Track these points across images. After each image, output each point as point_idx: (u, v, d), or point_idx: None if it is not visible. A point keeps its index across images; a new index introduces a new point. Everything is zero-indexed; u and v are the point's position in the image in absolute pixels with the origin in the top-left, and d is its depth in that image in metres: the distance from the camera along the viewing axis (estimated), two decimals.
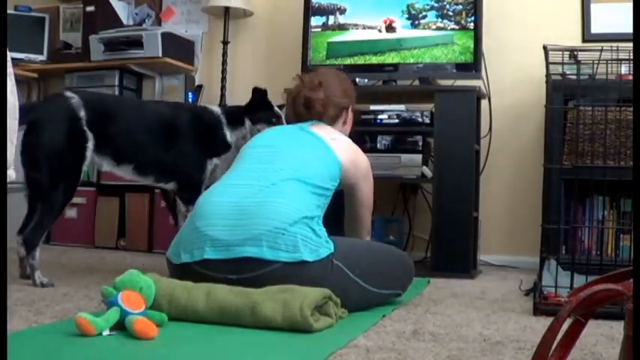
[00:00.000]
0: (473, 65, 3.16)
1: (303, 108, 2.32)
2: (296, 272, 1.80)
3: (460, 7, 3.21)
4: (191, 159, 2.63)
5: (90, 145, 2.43)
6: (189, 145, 2.63)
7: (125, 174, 2.61)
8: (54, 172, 2.33)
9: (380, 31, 3.36)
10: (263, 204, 1.92)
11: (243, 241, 1.84)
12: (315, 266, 1.83)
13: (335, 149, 2.15)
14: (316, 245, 1.85)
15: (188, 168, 2.63)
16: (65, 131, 2.37)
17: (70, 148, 2.37)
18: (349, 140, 2.28)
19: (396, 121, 3.16)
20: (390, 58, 3.32)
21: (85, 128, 2.41)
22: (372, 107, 3.25)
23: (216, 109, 2.79)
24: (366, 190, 2.30)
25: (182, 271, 1.91)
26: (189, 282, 1.80)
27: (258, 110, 2.76)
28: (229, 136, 2.72)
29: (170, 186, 2.68)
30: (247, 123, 2.75)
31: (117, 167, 2.56)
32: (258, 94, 2.78)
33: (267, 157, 2.11)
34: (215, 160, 2.69)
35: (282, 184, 1.98)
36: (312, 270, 1.82)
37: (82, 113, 2.40)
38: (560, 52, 2.58)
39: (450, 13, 3.23)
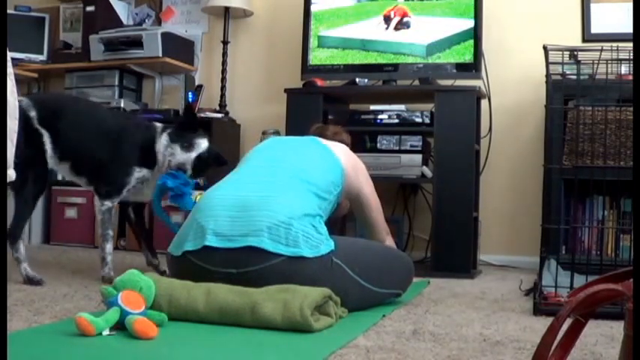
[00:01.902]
0: (473, 65, 3.16)
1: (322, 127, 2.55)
2: (296, 268, 1.81)
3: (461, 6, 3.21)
4: (118, 162, 2.57)
5: (46, 139, 2.47)
6: (119, 150, 2.58)
7: (64, 172, 2.65)
8: (18, 166, 2.34)
9: (380, 29, 3.35)
10: (266, 198, 1.94)
11: (245, 233, 1.86)
12: (314, 263, 1.83)
13: (337, 153, 2.22)
14: (317, 242, 1.86)
15: (113, 168, 2.58)
16: (19, 130, 2.39)
17: (27, 143, 2.39)
18: (347, 148, 2.37)
19: (396, 121, 3.16)
20: (390, 58, 3.32)
21: (37, 126, 2.46)
22: (372, 107, 3.26)
23: (159, 125, 2.67)
24: (370, 194, 2.34)
25: (182, 265, 1.92)
26: (190, 282, 1.81)
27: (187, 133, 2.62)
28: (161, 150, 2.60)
29: (91, 186, 2.65)
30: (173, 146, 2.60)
31: (59, 165, 2.57)
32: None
33: (273, 157, 2.19)
34: (144, 172, 2.60)
35: (286, 181, 2.03)
36: (312, 266, 1.83)
37: (32, 113, 2.45)
38: (560, 52, 2.58)
39: (451, 13, 3.22)
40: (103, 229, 2.55)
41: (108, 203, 2.56)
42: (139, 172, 2.58)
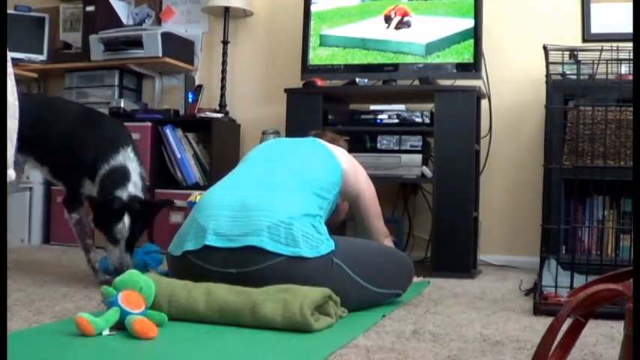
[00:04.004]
0: (473, 65, 3.16)
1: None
2: (296, 268, 1.81)
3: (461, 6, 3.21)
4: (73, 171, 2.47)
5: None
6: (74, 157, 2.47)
7: (44, 175, 2.63)
8: None
9: (381, 28, 3.35)
10: (266, 197, 1.94)
11: (245, 233, 1.86)
12: (314, 263, 1.83)
13: (337, 155, 2.23)
14: (317, 242, 1.86)
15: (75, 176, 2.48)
16: None
17: None
18: (347, 152, 2.38)
19: (396, 121, 3.16)
20: (390, 57, 3.32)
21: None
22: (372, 107, 3.25)
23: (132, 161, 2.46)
24: (370, 198, 2.35)
25: (183, 265, 1.92)
26: (189, 282, 1.81)
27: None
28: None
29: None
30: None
31: (40, 168, 2.54)
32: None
33: (272, 157, 2.19)
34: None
35: (286, 181, 2.03)
36: (312, 266, 1.83)
37: None
38: (560, 52, 2.58)
39: (452, 12, 3.22)
40: (81, 241, 2.49)
41: (75, 215, 2.48)
42: (90, 184, 2.44)
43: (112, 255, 2.31)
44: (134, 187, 2.38)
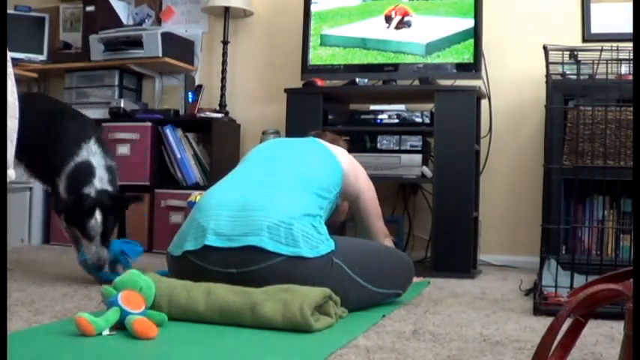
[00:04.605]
0: (473, 65, 3.16)
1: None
2: (296, 268, 1.81)
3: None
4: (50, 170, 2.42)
5: None
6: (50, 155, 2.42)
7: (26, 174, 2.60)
8: None
9: (381, 28, 3.35)
10: (267, 197, 1.95)
11: (245, 233, 1.86)
12: (314, 263, 1.83)
13: (337, 155, 2.23)
14: (317, 242, 1.86)
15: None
16: None
17: None
18: (347, 152, 2.38)
19: (396, 121, 3.16)
20: (390, 57, 3.32)
21: None
22: (372, 107, 3.26)
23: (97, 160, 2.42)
24: (370, 199, 2.36)
25: (182, 265, 1.92)
26: (190, 282, 1.81)
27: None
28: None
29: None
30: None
31: (19, 166, 2.50)
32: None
33: (273, 157, 2.19)
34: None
35: (286, 181, 2.03)
36: (312, 266, 1.83)
37: None
38: (560, 52, 2.58)
39: (452, 12, 3.22)
40: (76, 244, 2.46)
41: (64, 222, 2.42)
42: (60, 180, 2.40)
43: (89, 251, 2.31)
44: (100, 181, 2.36)
